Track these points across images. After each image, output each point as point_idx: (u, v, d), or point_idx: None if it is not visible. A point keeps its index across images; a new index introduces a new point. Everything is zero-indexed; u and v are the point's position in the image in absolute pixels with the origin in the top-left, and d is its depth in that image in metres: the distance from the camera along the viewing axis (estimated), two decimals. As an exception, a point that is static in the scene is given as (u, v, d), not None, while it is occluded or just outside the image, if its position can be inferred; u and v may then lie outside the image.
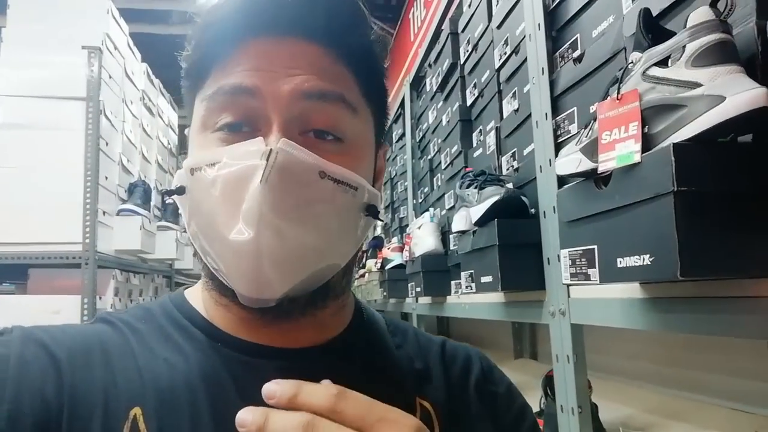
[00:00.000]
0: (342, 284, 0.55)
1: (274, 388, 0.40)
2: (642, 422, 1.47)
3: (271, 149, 0.44)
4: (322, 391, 0.40)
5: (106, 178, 2.85)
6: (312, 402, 0.39)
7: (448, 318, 3.76)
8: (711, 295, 0.71)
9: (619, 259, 0.73)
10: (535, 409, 1.61)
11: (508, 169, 1.52)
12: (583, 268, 0.83)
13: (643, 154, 0.67)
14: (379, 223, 3.86)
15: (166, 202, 3.62)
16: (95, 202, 2.64)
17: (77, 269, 2.61)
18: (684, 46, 0.65)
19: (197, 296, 0.57)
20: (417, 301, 2.40)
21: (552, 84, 1.21)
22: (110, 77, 2.93)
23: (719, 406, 1.40)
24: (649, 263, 0.66)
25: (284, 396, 0.40)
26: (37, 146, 2.65)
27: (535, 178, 1.24)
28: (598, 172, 0.75)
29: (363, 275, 3.89)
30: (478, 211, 1.31)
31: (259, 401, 0.48)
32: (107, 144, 2.84)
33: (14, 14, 2.76)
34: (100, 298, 2.75)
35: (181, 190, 0.50)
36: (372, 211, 0.51)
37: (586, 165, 0.79)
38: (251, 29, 0.49)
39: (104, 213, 2.78)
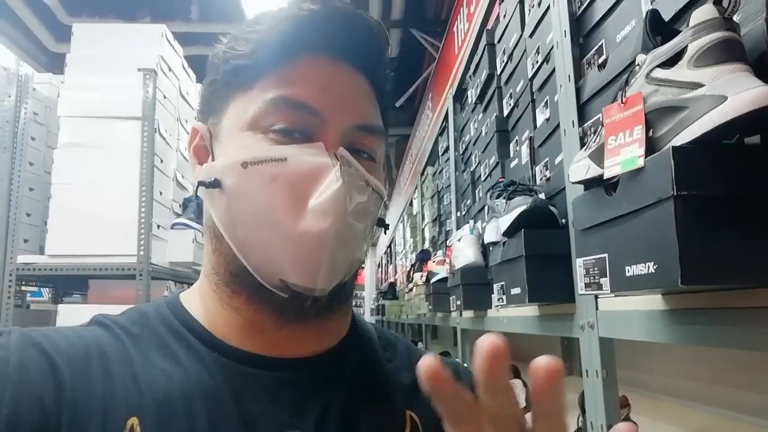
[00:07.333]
0: (352, 287, 0.58)
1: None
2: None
3: (336, 153, 0.50)
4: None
5: (161, 193, 2.97)
6: None
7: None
8: (738, 306, 0.67)
9: (627, 268, 0.70)
10: (573, 427, 1.56)
11: (541, 179, 1.49)
12: (595, 277, 0.80)
13: (646, 159, 0.65)
14: (427, 236, 3.87)
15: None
16: (149, 216, 2.76)
17: (133, 280, 2.72)
18: (686, 46, 0.63)
19: (194, 301, 0.57)
20: (461, 315, 2.36)
21: (579, 91, 1.19)
22: (165, 97, 3.07)
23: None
24: (653, 271, 0.64)
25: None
26: (96, 164, 2.79)
27: (565, 187, 1.21)
28: (604, 178, 0.72)
29: (411, 289, 3.87)
30: (505, 221, 1.29)
31: (255, 413, 0.49)
32: (162, 161, 2.96)
33: (77, 41, 2.95)
34: (155, 308, 2.84)
35: (216, 183, 0.53)
36: (381, 222, 0.58)
37: (594, 171, 0.76)
38: (315, 46, 0.53)
39: (159, 227, 2.90)
